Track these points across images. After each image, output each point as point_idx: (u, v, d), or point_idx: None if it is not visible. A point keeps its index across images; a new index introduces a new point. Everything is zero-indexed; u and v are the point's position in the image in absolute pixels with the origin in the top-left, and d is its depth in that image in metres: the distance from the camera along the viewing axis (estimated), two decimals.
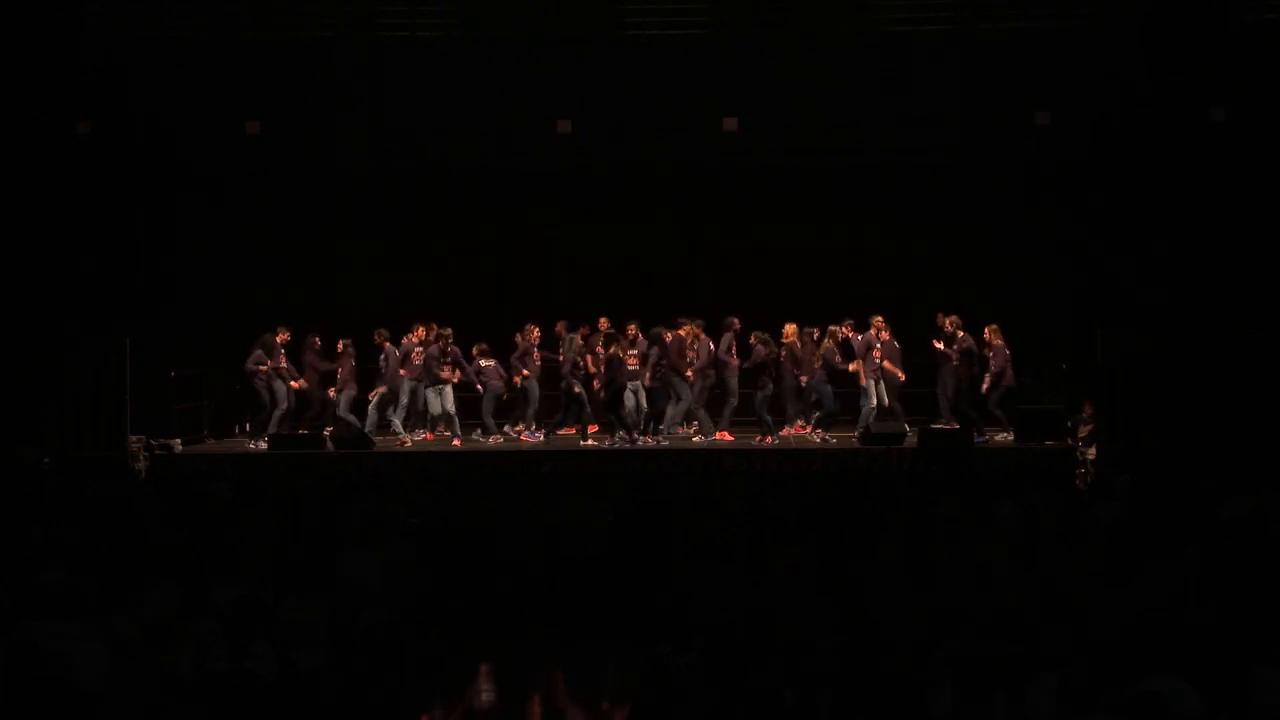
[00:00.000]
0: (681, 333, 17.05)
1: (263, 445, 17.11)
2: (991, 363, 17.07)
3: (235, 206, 19.64)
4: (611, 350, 16.84)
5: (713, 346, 17.17)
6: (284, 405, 17.39)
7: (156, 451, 17.05)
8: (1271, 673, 6.57)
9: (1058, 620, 7.68)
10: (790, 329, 17.24)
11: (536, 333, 17.65)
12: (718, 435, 17.23)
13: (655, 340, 17.21)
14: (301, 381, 17.54)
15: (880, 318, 17.48)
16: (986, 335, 17.23)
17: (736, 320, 17.32)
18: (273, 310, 18.23)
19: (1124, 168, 19.19)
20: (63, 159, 18.95)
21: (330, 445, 16.94)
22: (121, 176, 19.27)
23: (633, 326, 17.26)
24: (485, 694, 11.01)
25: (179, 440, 17.61)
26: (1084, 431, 17.30)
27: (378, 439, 17.22)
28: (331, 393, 17.62)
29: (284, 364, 17.43)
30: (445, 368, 17.07)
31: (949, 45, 19.12)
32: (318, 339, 17.83)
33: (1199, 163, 18.92)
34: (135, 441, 16.97)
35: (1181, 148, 18.90)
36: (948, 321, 17.30)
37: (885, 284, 19.15)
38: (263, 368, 17.27)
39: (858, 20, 19.31)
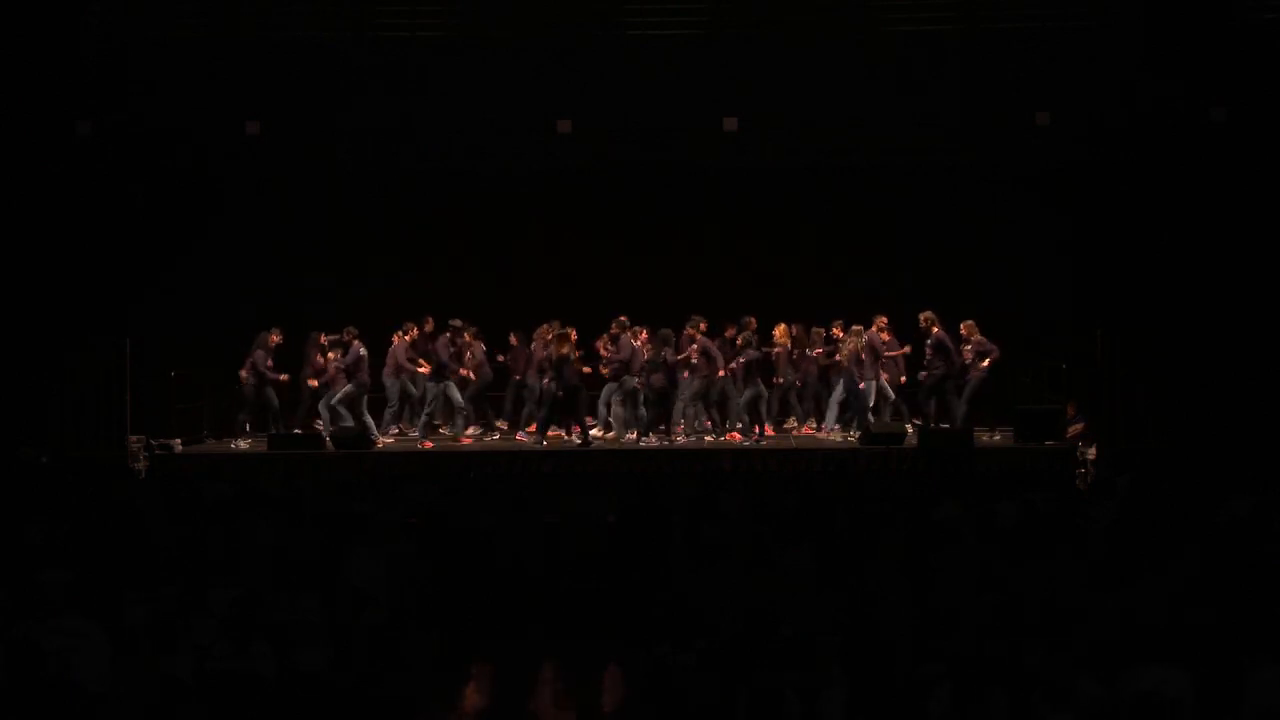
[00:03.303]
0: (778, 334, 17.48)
1: (243, 445, 17.23)
2: (968, 356, 17.19)
3: (235, 206, 19.64)
4: (564, 350, 16.81)
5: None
6: (275, 406, 17.57)
7: (156, 451, 17.05)
8: (1268, 672, 6.58)
9: (1057, 620, 7.69)
10: (780, 330, 17.43)
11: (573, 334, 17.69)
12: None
13: (665, 341, 17.20)
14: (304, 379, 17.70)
15: (884, 318, 17.65)
16: (964, 330, 17.37)
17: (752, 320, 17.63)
18: (273, 310, 18.24)
19: (1124, 168, 19.18)
20: (63, 159, 18.94)
21: (330, 445, 16.94)
22: (121, 176, 19.27)
23: (615, 325, 17.37)
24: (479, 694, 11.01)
25: (179, 440, 17.61)
26: (1071, 432, 17.30)
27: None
28: (313, 382, 17.66)
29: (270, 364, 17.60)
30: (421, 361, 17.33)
31: (949, 45, 19.09)
32: (324, 336, 17.88)
33: (1199, 163, 18.91)
34: (135, 441, 16.97)
35: (1182, 148, 18.89)
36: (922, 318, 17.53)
37: (884, 283, 19.15)
38: (284, 376, 17.46)
39: (858, 20, 19.29)
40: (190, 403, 18.20)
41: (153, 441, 17.22)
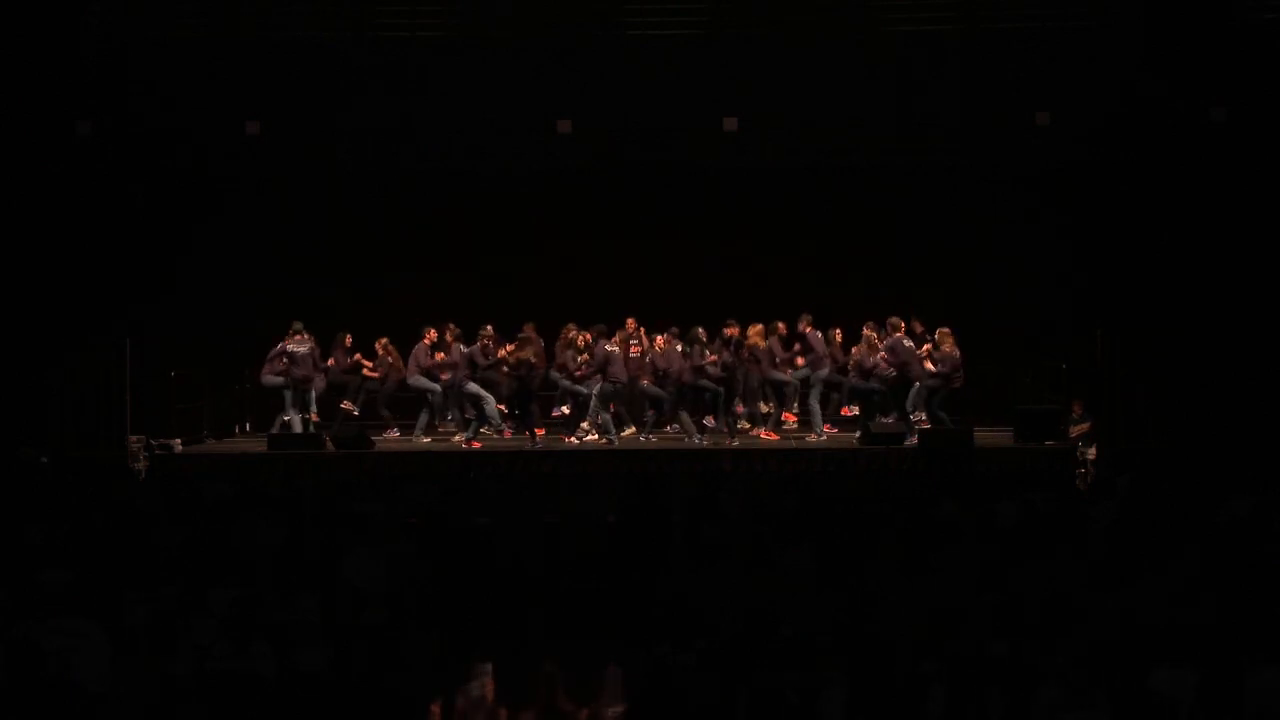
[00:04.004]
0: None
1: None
2: (939, 365, 17.09)
3: (235, 206, 19.64)
4: (525, 354, 16.80)
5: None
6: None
7: (156, 451, 17.05)
8: (1269, 672, 6.58)
9: (1057, 620, 7.69)
10: (753, 329, 17.32)
11: (586, 336, 17.62)
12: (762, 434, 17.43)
13: (694, 341, 17.16)
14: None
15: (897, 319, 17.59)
16: (937, 338, 17.20)
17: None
18: (273, 310, 18.25)
19: (1124, 168, 19.18)
20: (63, 159, 18.95)
21: (330, 445, 16.94)
22: (121, 176, 19.27)
23: (595, 330, 17.29)
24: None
25: (179, 440, 17.60)
26: (1076, 432, 17.30)
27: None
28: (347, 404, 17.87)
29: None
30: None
31: (949, 45, 19.10)
32: (349, 337, 17.93)
33: (1199, 163, 18.92)
34: (135, 441, 16.96)
35: (1182, 148, 18.89)
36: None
37: (884, 284, 19.15)
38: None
39: (858, 20, 19.29)
40: (190, 403, 18.21)
41: (153, 441, 17.21)
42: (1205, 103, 18.56)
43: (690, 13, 19.32)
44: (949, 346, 17.04)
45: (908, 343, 17.04)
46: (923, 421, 17.07)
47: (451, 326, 17.58)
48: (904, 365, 16.89)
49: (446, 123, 19.25)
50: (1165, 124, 18.79)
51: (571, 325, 17.55)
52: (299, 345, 17.53)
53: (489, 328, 17.39)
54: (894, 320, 17.12)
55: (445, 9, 19.44)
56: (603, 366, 16.97)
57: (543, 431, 17.22)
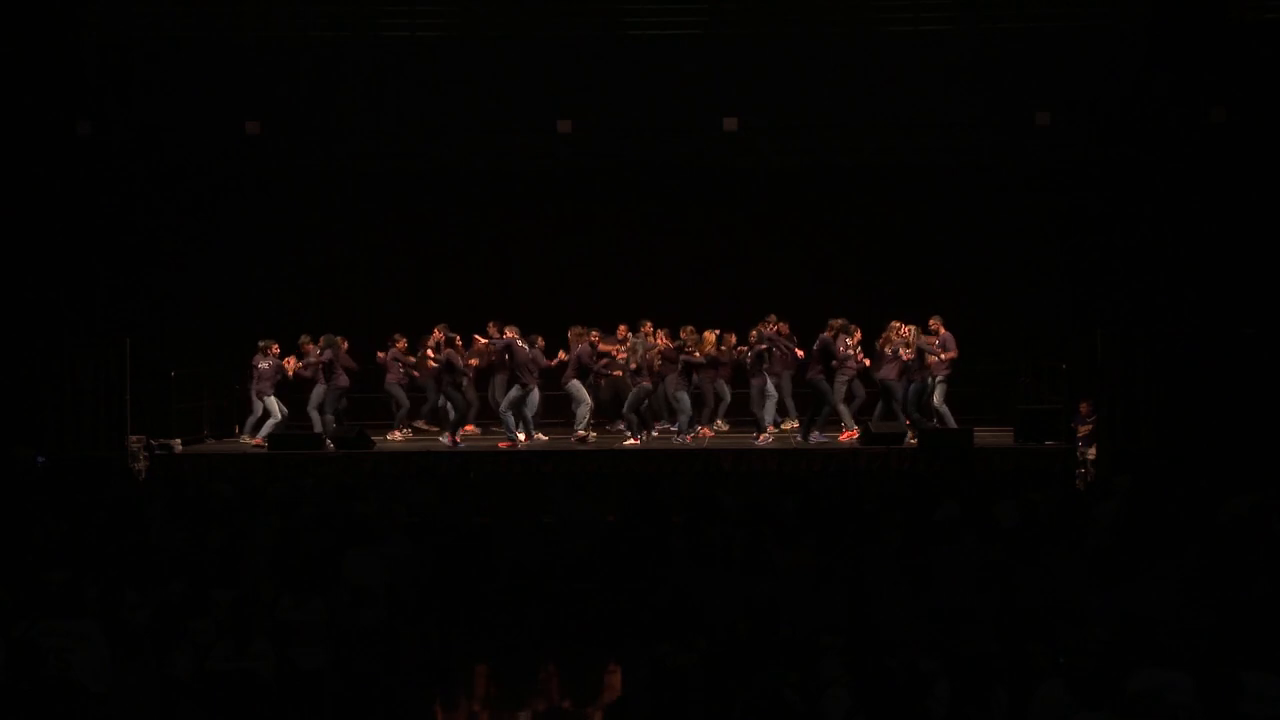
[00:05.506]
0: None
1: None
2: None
3: (235, 206, 19.64)
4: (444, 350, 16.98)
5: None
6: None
7: (156, 451, 17.05)
8: (1264, 679, 6.58)
9: (1058, 620, 7.70)
10: (709, 336, 17.13)
11: (596, 335, 17.54)
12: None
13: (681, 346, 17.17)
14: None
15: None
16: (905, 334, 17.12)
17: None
18: (273, 310, 18.25)
19: (1124, 168, 19.18)
20: (63, 159, 18.94)
21: (330, 445, 16.95)
22: (121, 176, 19.26)
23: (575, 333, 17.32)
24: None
25: (179, 440, 17.61)
26: (1083, 431, 17.32)
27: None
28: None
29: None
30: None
31: (949, 45, 19.09)
32: (401, 340, 17.91)
33: (1199, 163, 18.92)
34: (135, 441, 16.96)
35: (1181, 148, 18.89)
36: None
37: (884, 284, 19.15)
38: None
39: (857, 20, 19.29)
40: (190, 403, 18.21)
41: (153, 441, 17.22)
42: (1205, 103, 18.54)
43: (690, 13, 19.31)
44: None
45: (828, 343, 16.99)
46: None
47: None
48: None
49: (447, 122, 19.24)
50: (1165, 124, 18.78)
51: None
52: (262, 360, 17.49)
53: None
54: (833, 323, 17.07)
55: (445, 9, 19.43)
56: (501, 356, 17.04)
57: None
